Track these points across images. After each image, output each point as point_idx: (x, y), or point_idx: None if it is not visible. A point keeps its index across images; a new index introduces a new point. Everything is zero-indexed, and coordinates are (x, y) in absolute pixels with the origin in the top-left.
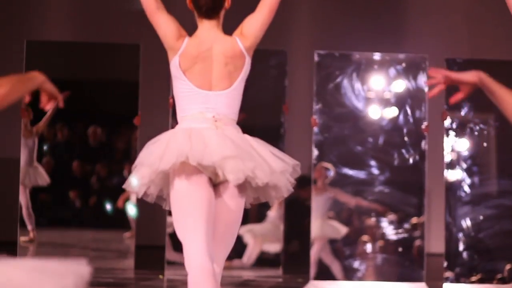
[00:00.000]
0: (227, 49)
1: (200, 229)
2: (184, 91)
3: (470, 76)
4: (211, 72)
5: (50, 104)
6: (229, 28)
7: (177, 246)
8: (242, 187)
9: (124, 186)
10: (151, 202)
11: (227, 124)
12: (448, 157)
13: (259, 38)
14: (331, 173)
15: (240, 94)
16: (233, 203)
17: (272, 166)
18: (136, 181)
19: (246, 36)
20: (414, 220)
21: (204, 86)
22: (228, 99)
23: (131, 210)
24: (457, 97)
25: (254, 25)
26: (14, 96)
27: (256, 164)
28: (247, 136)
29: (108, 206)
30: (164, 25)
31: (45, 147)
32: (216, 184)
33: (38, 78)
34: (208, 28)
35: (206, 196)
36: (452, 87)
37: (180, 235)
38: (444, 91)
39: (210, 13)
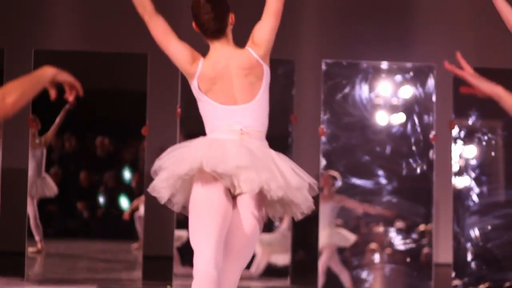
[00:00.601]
0: (243, 61)
1: (211, 237)
2: (210, 110)
3: (488, 89)
4: (232, 87)
5: (72, 94)
6: (241, 36)
7: (185, 260)
8: (260, 199)
9: (148, 190)
10: (177, 211)
11: (253, 137)
12: (456, 166)
13: (271, 44)
14: (339, 182)
15: (266, 104)
16: (250, 214)
17: (288, 180)
18: (157, 184)
19: (258, 44)
20: (422, 229)
21: (228, 102)
22: (253, 111)
23: (124, 203)
24: (470, 91)
25: (264, 32)
26: (25, 101)
27: (271, 176)
28: (271, 151)
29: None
30: (177, 52)
31: (53, 157)
32: (235, 196)
33: (47, 75)
34: (219, 48)
35: (221, 205)
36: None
37: (192, 241)
38: (451, 99)
39: (216, 35)
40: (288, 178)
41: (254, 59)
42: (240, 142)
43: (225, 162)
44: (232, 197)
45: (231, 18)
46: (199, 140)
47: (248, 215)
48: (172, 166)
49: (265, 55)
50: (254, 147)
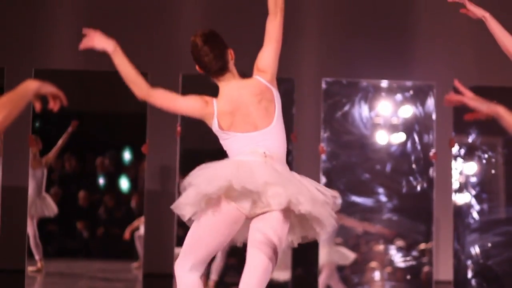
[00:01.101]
0: (254, 88)
1: (199, 256)
2: (234, 141)
3: (488, 109)
4: (251, 115)
5: (56, 104)
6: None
7: None
8: (285, 217)
9: (172, 207)
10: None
11: (276, 160)
12: (456, 184)
13: (275, 68)
14: (338, 200)
15: (283, 129)
16: (274, 231)
17: (315, 196)
18: (182, 201)
19: (264, 70)
20: (422, 247)
21: (250, 129)
22: (274, 134)
23: (124, 184)
24: (474, 116)
25: (267, 58)
26: (12, 118)
27: (299, 191)
28: (293, 172)
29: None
30: (187, 107)
31: (53, 178)
32: (256, 215)
33: (30, 89)
34: (228, 83)
35: (222, 236)
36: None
37: (183, 247)
38: (451, 117)
39: (220, 73)
40: (314, 194)
41: (263, 84)
42: (265, 163)
43: (254, 180)
44: (251, 217)
45: (230, 54)
46: (227, 161)
47: (272, 231)
48: (201, 184)
49: (272, 79)
50: (279, 168)
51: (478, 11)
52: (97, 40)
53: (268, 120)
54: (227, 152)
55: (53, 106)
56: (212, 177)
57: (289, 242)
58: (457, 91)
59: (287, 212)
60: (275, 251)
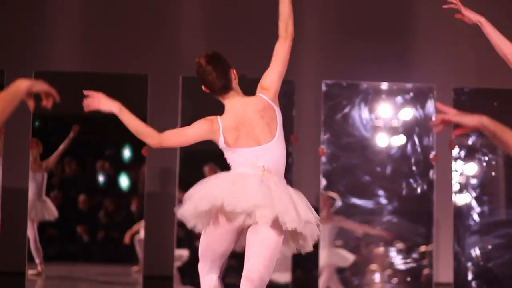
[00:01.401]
0: (257, 105)
1: (211, 261)
2: (238, 156)
3: (472, 122)
4: (254, 130)
5: (49, 101)
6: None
7: (185, 280)
8: (276, 229)
9: (178, 214)
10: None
11: (274, 174)
12: (456, 186)
13: (278, 88)
14: (338, 203)
15: (283, 144)
16: (267, 241)
17: (300, 214)
18: (183, 212)
19: (267, 88)
20: (423, 249)
21: (253, 144)
22: (274, 149)
23: (124, 182)
24: (462, 131)
25: (271, 78)
26: (4, 118)
27: (285, 211)
28: (288, 187)
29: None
30: (196, 135)
31: (53, 182)
32: (250, 225)
33: (21, 88)
34: (232, 101)
35: (227, 245)
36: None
37: (200, 253)
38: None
39: (224, 91)
40: (300, 212)
41: (265, 101)
42: (261, 178)
43: (245, 201)
44: (247, 226)
45: (234, 73)
46: (225, 176)
47: (265, 241)
48: (196, 200)
49: (274, 98)
50: (273, 184)
51: (473, 16)
52: (102, 102)
53: (270, 135)
54: (230, 165)
55: (47, 104)
56: (207, 195)
57: (284, 251)
58: (440, 112)
59: (278, 224)
60: (269, 261)
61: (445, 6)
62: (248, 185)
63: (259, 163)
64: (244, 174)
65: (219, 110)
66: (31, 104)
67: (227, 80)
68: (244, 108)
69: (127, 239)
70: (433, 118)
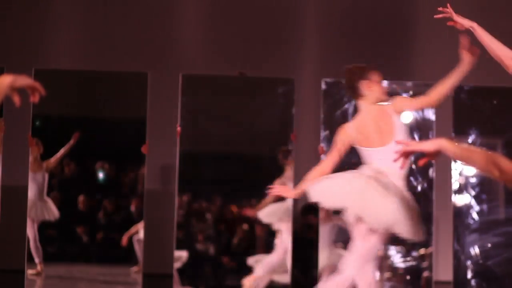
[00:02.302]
0: (379, 112)
1: None
2: (366, 155)
3: (432, 146)
4: (378, 133)
5: (35, 96)
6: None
7: (185, 280)
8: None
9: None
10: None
11: (392, 175)
12: (456, 184)
13: (402, 111)
14: None
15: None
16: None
17: (401, 215)
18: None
19: (395, 105)
20: (422, 249)
21: (376, 145)
22: (390, 153)
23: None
24: (424, 161)
25: (404, 105)
26: None
27: (393, 212)
28: (401, 187)
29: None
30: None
31: (52, 183)
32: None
33: (5, 83)
34: (363, 105)
35: None
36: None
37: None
38: (451, 118)
39: (354, 97)
40: (400, 212)
41: (387, 111)
42: (379, 179)
43: (363, 203)
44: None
45: (364, 84)
46: (351, 177)
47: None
48: (324, 195)
49: (395, 112)
50: (385, 184)
51: (465, 22)
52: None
53: (387, 139)
54: (363, 162)
55: (34, 99)
56: (337, 195)
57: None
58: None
59: None
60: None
61: (437, 16)
62: (365, 188)
63: (380, 163)
64: (360, 175)
65: (219, 110)
66: (16, 99)
67: (353, 90)
68: (369, 113)
69: (124, 240)
70: (433, 117)
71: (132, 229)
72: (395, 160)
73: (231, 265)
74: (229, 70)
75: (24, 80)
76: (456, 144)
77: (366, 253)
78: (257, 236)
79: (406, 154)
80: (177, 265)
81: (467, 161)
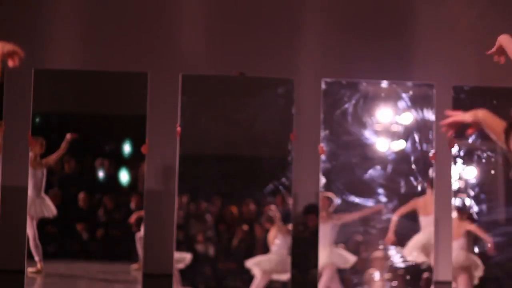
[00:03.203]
0: None
1: None
2: None
3: (469, 117)
4: None
5: (15, 60)
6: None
7: (186, 281)
8: None
9: None
10: None
11: None
12: (455, 184)
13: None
14: (335, 201)
15: None
16: None
17: None
18: None
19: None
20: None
21: None
22: None
23: (124, 177)
24: (471, 130)
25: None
26: None
27: None
28: None
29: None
30: None
31: (52, 180)
32: None
33: None
34: None
35: None
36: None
37: None
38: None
39: None
40: None
41: None
42: None
43: None
44: None
45: None
46: None
47: None
48: None
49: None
50: None
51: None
52: None
53: None
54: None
55: (14, 62)
56: None
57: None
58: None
59: None
60: None
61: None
62: None
63: None
64: None
65: (219, 110)
66: (10, 62)
67: None
68: None
69: (133, 219)
70: (433, 117)
71: (133, 216)
72: (443, 131)
73: (231, 266)
74: (229, 70)
75: (9, 46)
76: (491, 115)
77: None
78: (257, 237)
79: (452, 125)
80: (180, 266)
81: (490, 130)
